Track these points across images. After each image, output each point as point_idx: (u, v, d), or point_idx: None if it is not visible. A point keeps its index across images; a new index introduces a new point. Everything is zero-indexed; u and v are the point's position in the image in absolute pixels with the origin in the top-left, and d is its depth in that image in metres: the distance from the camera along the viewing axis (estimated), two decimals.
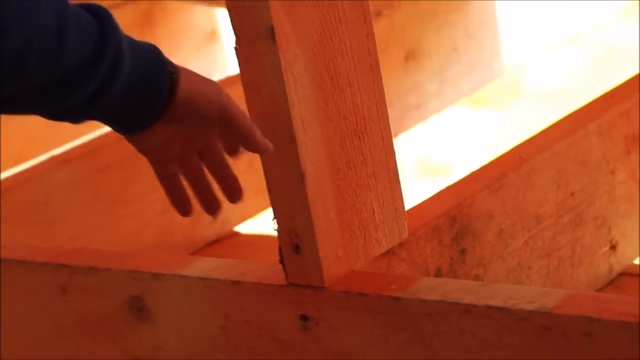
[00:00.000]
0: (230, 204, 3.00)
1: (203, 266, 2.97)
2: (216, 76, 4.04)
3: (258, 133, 2.41)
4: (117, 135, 3.81)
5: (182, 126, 2.28)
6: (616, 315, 2.46)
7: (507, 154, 3.33)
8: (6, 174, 3.86)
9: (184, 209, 2.54)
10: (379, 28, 4.01)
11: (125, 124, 2.24)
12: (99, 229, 3.62)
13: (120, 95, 2.11)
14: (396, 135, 4.55)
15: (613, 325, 2.43)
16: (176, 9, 5.54)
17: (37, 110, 2.17)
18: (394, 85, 4.23)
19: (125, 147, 3.85)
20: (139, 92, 2.14)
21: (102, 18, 2.06)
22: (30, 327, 3.03)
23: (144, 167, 3.52)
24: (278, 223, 2.72)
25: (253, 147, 2.42)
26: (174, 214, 3.87)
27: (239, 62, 2.57)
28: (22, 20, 1.92)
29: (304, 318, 2.69)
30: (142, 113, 2.19)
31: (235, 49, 2.64)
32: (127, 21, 5.03)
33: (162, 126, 2.25)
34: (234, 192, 2.52)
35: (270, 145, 2.44)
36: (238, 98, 2.67)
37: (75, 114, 2.17)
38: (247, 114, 2.42)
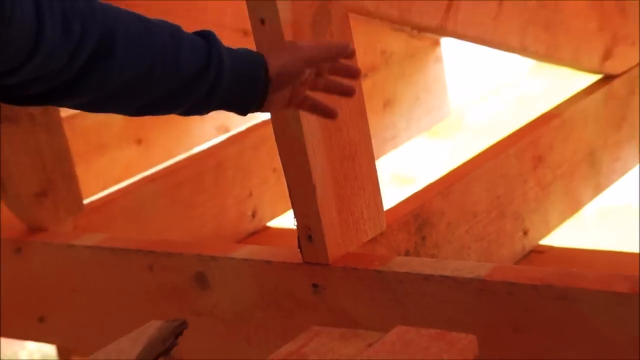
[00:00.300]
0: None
1: (245, 251, 2.99)
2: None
3: (330, 47, 2.34)
4: (188, 160, 3.82)
5: (288, 84, 2.19)
6: (529, 280, 2.47)
7: (454, 170, 3.34)
8: (111, 189, 3.83)
9: (328, 113, 2.32)
10: (365, 85, 3.99)
11: (243, 107, 2.19)
12: (175, 226, 3.62)
13: (229, 89, 2.10)
14: (377, 158, 4.57)
15: (527, 287, 2.45)
16: None
17: (170, 111, 2.18)
18: (376, 123, 4.23)
19: (192, 169, 3.89)
20: (242, 84, 2.12)
21: (208, 38, 2.09)
22: (128, 294, 3.03)
23: (206, 183, 3.50)
24: (297, 220, 2.73)
25: (334, 54, 2.27)
26: (225, 215, 3.89)
27: (271, 114, 2.59)
28: (147, 44, 1.97)
29: (314, 285, 2.71)
30: (252, 96, 2.14)
31: None
32: None
33: (275, 94, 2.17)
34: (348, 90, 2.32)
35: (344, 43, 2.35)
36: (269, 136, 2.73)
37: (199, 109, 2.17)
38: (316, 45, 2.31)
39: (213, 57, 2.06)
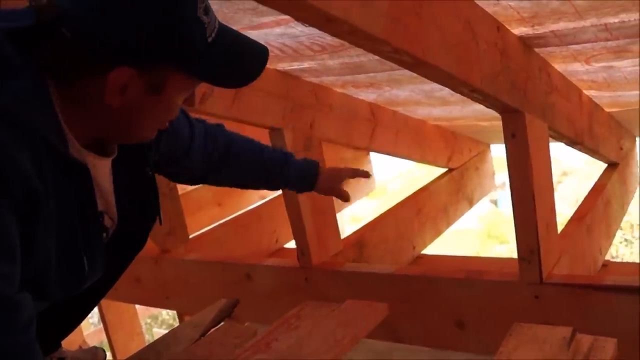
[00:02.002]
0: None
1: (270, 261, 2.94)
2: None
3: (361, 172, 2.09)
4: (244, 214, 3.74)
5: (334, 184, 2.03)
6: (415, 272, 2.41)
7: (378, 216, 3.32)
8: (203, 230, 3.75)
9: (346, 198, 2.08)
10: None
11: (302, 189, 2.05)
12: (237, 248, 3.56)
13: (294, 183, 2.00)
14: (341, 211, 4.55)
15: (413, 277, 2.41)
16: None
17: (263, 188, 2.09)
18: None
19: (246, 218, 3.83)
20: (300, 180, 1.99)
21: (287, 155, 1.99)
22: (213, 284, 2.99)
23: (253, 225, 3.43)
24: (296, 243, 2.67)
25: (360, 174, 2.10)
26: (262, 241, 3.83)
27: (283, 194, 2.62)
28: (245, 165, 1.92)
29: (306, 278, 2.66)
30: (304, 186, 2.02)
31: None
32: None
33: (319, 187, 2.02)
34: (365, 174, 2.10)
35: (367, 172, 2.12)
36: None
37: (277, 188, 2.12)
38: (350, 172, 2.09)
39: (290, 170, 1.97)
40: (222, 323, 2.32)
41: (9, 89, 1.08)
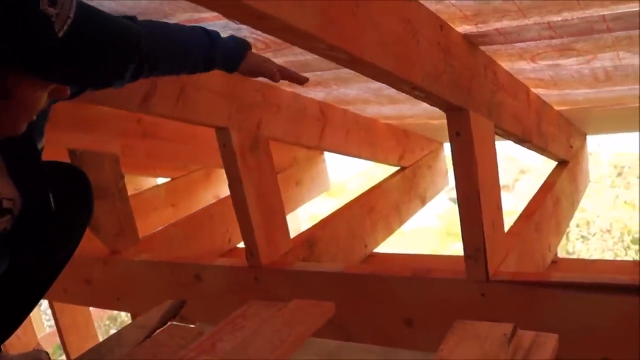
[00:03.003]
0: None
1: (220, 261, 2.91)
2: None
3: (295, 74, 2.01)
4: (196, 213, 3.71)
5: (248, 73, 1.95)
6: (365, 271, 2.41)
7: (330, 215, 3.30)
8: (154, 231, 3.73)
9: (300, 79, 2.02)
10: (285, 175, 3.98)
11: (227, 70, 1.91)
12: (188, 248, 3.52)
13: (220, 65, 1.89)
14: (296, 209, 4.55)
15: (362, 275, 2.41)
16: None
17: (189, 72, 1.93)
18: (292, 193, 4.25)
19: (199, 218, 3.81)
20: (225, 63, 1.88)
21: (212, 35, 1.85)
22: (160, 285, 2.96)
23: (205, 225, 3.40)
24: (245, 243, 2.66)
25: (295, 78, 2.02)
26: (215, 242, 3.80)
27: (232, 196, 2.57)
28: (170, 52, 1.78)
29: (255, 278, 2.64)
30: (229, 69, 1.90)
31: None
32: None
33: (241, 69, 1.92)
34: (300, 79, 2.01)
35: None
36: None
37: (204, 71, 1.91)
38: (272, 68, 1.97)
39: (217, 48, 1.86)
40: (168, 324, 2.30)
41: None
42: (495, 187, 2.26)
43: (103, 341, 2.18)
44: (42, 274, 1.74)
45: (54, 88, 1.22)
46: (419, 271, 2.33)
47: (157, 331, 2.17)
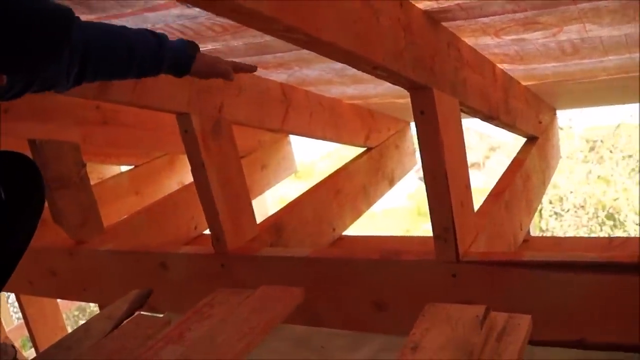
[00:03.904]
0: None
1: (186, 248, 2.88)
2: None
3: (229, 71, 1.99)
4: (161, 200, 3.69)
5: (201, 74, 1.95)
6: (332, 255, 2.41)
7: (297, 198, 3.29)
8: (120, 219, 3.69)
9: (250, 68, 2.08)
10: (250, 158, 3.98)
11: (178, 74, 1.89)
12: (153, 236, 3.48)
13: (169, 67, 1.86)
14: (263, 193, 4.54)
15: (330, 259, 2.43)
16: None
17: (136, 76, 1.90)
18: (258, 177, 4.27)
19: (164, 206, 3.77)
20: (175, 65, 1.86)
21: (159, 37, 1.82)
22: (125, 274, 2.92)
23: (169, 213, 3.37)
24: (210, 229, 2.64)
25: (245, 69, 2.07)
26: (180, 229, 3.78)
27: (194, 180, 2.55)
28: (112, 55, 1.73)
29: (222, 265, 2.61)
30: (181, 71, 1.88)
31: None
32: None
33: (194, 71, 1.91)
34: (250, 68, 2.09)
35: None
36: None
37: (153, 74, 1.88)
38: (226, 67, 2.00)
39: (165, 51, 1.84)
40: (135, 314, 2.28)
41: None
42: (463, 166, 2.24)
43: (70, 333, 2.18)
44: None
45: None
46: (388, 253, 2.31)
47: (125, 322, 2.16)
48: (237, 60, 2.55)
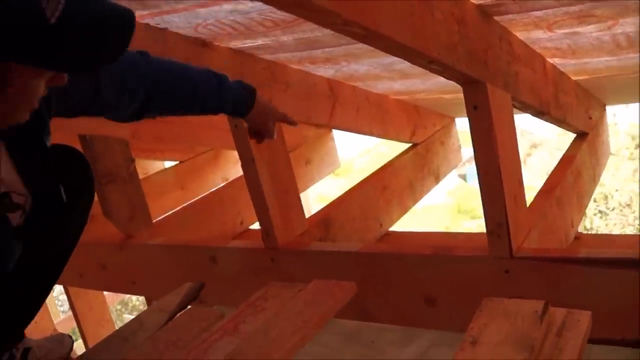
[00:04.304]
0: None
1: (235, 243, 2.90)
2: None
3: (289, 120, 2.10)
4: (207, 196, 3.71)
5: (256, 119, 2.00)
6: (381, 250, 2.40)
7: (343, 194, 3.31)
8: (167, 214, 3.72)
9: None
10: (296, 153, 3.99)
11: (235, 115, 1.97)
12: (200, 231, 3.52)
13: (230, 107, 1.92)
14: (307, 189, 4.55)
15: (379, 254, 2.39)
16: None
17: (196, 114, 1.95)
18: (302, 172, 4.26)
19: (209, 201, 3.80)
20: (236, 106, 1.93)
21: (221, 78, 1.88)
22: (176, 267, 2.96)
23: (216, 208, 3.39)
24: (260, 224, 2.65)
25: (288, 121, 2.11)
26: (226, 224, 3.80)
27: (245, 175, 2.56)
28: (178, 95, 1.81)
29: (272, 259, 2.63)
30: (240, 112, 1.95)
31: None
32: None
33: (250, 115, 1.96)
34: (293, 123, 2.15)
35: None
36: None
37: (213, 113, 1.94)
38: (282, 115, 2.09)
39: (227, 93, 1.89)
40: (188, 307, 2.30)
41: None
42: (516, 161, 2.23)
43: (124, 325, 2.19)
44: (53, 258, 1.76)
45: (52, 75, 1.21)
46: (440, 249, 2.31)
47: (178, 314, 2.18)
48: (286, 54, 2.60)
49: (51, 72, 1.20)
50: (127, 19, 1.18)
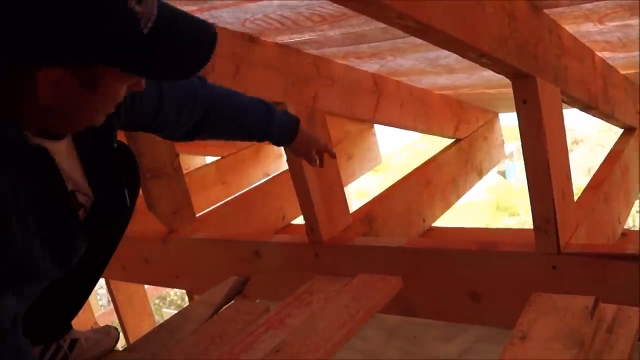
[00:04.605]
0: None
1: (279, 237, 2.91)
2: None
3: (330, 151, 2.17)
4: (249, 191, 3.72)
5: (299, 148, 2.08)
6: (426, 245, 2.39)
7: (385, 190, 3.28)
8: (208, 209, 3.74)
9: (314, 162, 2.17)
10: (337, 149, 3.95)
11: (280, 144, 2.05)
12: (242, 226, 3.55)
13: (276, 137, 2.00)
14: (347, 184, 4.54)
15: (423, 250, 2.36)
16: None
17: (242, 139, 2.09)
18: (344, 168, 4.21)
19: (251, 196, 3.82)
20: (282, 136, 2.00)
21: (269, 108, 1.96)
22: (220, 261, 2.97)
23: (258, 203, 3.41)
24: (305, 219, 2.64)
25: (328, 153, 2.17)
26: (268, 219, 3.81)
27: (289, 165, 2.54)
28: (232, 121, 1.90)
29: (316, 254, 2.63)
30: (285, 141, 2.03)
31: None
32: None
33: (294, 144, 2.03)
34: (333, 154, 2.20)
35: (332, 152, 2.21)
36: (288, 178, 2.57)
37: (258, 140, 2.03)
38: (323, 145, 2.14)
39: (274, 122, 1.96)
40: (233, 300, 2.32)
41: None
42: (564, 156, 2.21)
43: (170, 318, 2.22)
44: (101, 251, 1.79)
45: (134, 81, 1.29)
46: (485, 245, 2.29)
47: (224, 308, 2.19)
48: (332, 49, 2.60)
49: (136, 77, 1.28)
50: (210, 32, 1.26)
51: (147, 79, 1.36)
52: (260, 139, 2.03)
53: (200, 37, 1.24)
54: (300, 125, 2.04)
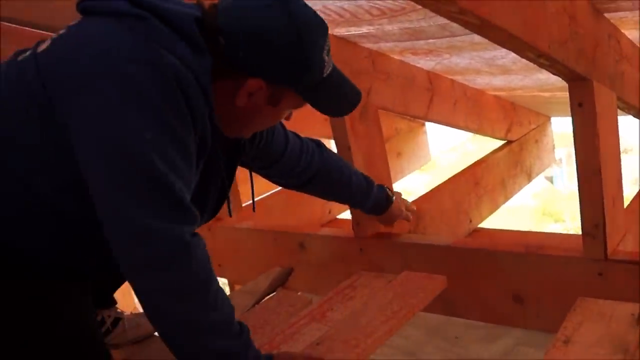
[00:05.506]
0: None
1: (325, 231, 2.92)
2: None
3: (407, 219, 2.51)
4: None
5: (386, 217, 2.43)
6: (472, 246, 2.38)
7: (433, 189, 3.27)
8: (258, 197, 3.75)
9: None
10: (387, 145, 3.95)
11: (371, 214, 2.39)
12: (289, 218, 3.53)
13: (370, 207, 2.34)
14: (395, 182, 4.52)
15: (469, 250, 2.37)
16: None
17: (343, 203, 2.51)
18: (394, 165, 4.19)
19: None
20: (373, 209, 2.36)
21: (369, 183, 2.31)
22: (263, 251, 2.97)
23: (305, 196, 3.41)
24: (351, 213, 2.64)
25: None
26: (315, 212, 3.81)
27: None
28: (337, 181, 2.23)
29: (361, 249, 2.63)
30: (374, 213, 2.39)
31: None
32: None
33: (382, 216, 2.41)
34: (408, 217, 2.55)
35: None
36: None
37: (355, 207, 2.46)
38: (406, 216, 2.48)
39: (366, 199, 2.31)
40: (275, 292, 2.33)
41: (203, 66, 1.39)
42: (617, 162, 2.19)
43: None
44: None
45: (294, 109, 1.65)
46: (532, 247, 2.28)
47: (266, 298, 2.20)
48: (388, 44, 2.60)
49: (300, 107, 1.61)
50: (357, 94, 1.66)
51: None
52: (357, 206, 2.39)
53: (353, 89, 1.64)
54: (391, 205, 2.37)
